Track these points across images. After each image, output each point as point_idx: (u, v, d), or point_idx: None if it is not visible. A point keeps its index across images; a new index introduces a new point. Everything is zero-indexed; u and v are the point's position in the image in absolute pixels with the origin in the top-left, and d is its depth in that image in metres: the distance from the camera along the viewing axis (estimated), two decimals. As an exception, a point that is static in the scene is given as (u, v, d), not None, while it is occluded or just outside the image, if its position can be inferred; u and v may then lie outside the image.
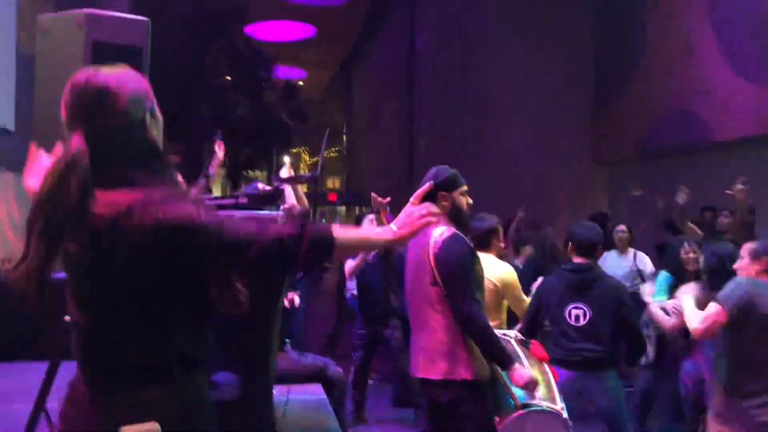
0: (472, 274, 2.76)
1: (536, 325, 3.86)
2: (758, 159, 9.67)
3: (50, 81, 2.35)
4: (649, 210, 10.44)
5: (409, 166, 15.40)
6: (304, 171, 33.79)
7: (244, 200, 2.59)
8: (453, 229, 2.78)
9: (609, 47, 13.50)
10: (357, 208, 22.92)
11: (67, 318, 1.62)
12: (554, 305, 3.83)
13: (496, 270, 3.81)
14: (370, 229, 1.85)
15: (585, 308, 3.72)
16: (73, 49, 2.30)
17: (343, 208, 24.54)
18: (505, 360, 2.72)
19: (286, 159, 4.09)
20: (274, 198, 2.65)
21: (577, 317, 3.74)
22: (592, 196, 13.93)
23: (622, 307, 3.71)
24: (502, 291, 3.81)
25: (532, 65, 13.86)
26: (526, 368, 2.82)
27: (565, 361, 3.66)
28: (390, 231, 1.70)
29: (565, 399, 3.23)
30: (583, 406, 4.23)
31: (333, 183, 34.88)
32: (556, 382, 3.10)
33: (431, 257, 2.73)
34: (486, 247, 3.84)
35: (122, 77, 1.61)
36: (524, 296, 3.97)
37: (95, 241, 1.46)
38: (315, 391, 3.70)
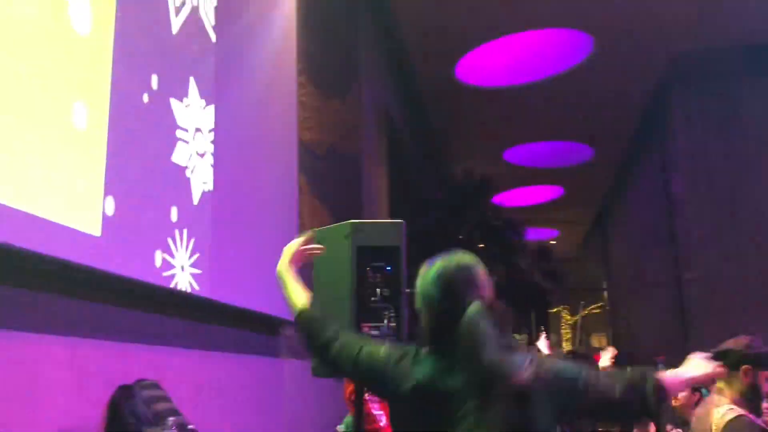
0: None
1: None
2: None
3: (324, 280, 2.66)
4: None
5: (681, 320, 14.11)
6: (565, 330, 32.71)
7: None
8: (741, 411, 2.46)
9: None
10: (627, 368, 21.29)
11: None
12: None
13: None
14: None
15: None
16: (341, 253, 2.60)
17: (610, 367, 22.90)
18: None
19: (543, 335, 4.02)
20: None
21: None
22: None
23: None
24: None
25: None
26: None
27: None
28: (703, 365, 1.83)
29: None
30: None
31: (599, 341, 33.09)
32: None
33: (714, 438, 2.42)
34: None
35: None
36: None
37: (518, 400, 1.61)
38: None
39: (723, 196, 13.60)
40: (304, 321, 1.96)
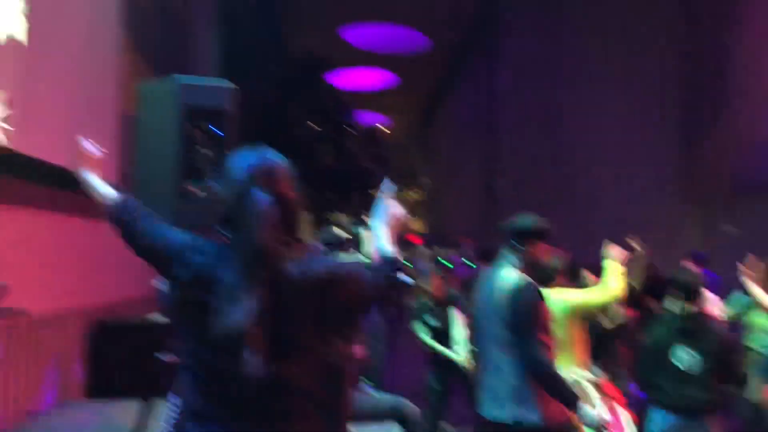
0: (539, 320, 2.81)
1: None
2: None
3: (148, 138, 2.61)
4: (747, 249, 9.99)
5: (491, 207, 15.38)
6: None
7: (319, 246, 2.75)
8: (526, 277, 2.85)
9: (696, 84, 13.17)
10: (438, 249, 22.99)
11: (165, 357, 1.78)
12: (662, 348, 3.79)
13: (565, 297, 3.86)
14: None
15: (692, 353, 3.67)
16: (167, 112, 2.54)
17: (426, 250, 24.62)
18: (572, 402, 2.75)
19: (342, 218, 4.21)
20: (346, 244, 2.79)
21: (687, 362, 3.66)
22: (683, 235, 13.45)
23: (729, 353, 3.65)
24: (578, 310, 3.82)
25: (617, 104, 13.68)
26: (594, 408, 2.81)
27: (671, 406, 3.61)
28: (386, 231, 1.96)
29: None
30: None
31: (415, 225, 35.16)
32: (634, 422, 3.08)
33: (503, 301, 2.80)
34: (551, 284, 3.90)
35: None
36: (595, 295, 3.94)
37: (281, 293, 1.62)
38: (391, 430, 3.77)
39: (540, 95, 14.66)
40: (116, 217, 1.89)
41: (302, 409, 1.69)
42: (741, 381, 3.79)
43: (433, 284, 5.50)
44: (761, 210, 11.53)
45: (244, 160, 1.73)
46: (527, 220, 3.02)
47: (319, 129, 15.79)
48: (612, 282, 3.88)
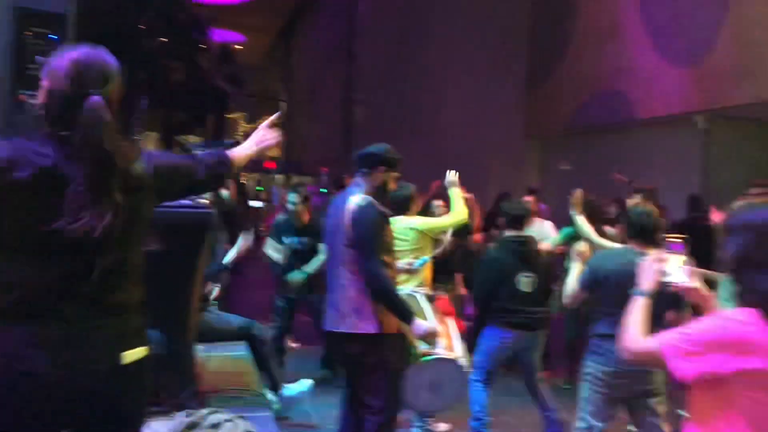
0: (380, 238, 2.98)
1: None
2: (679, 136, 10.22)
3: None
4: (577, 184, 10.90)
5: (346, 134, 15.50)
6: (240, 136, 33.44)
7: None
8: (370, 198, 2.99)
9: (543, 27, 13.84)
10: (294, 177, 22.93)
11: None
12: (505, 273, 4.12)
13: (415, 221, 4.17)
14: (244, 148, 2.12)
15: (532, 276, 4.05)
16: (-3, 14, 2.33)
17: (281, 176, 24.47)
18: (405, 315, 2.97)
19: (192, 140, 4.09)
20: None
21: (526, 284, 4.03)
22: (524, 169, 14.37)
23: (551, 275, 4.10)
24: (425, 233, 4.13)
25: (469, 41, 14.11)
26: (426, 321, 3.07)
27: (514, 323, 4.00)
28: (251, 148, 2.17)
29: (504, 353, 4.04)
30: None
31: (272, 150, 34.64)
32: (462, 335, 3.40)
33: (347, 221, 2.94)
34: (406, 212, 4.17)
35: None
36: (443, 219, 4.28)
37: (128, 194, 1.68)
38: (239, 349, 3.86)
39: (398, 26, 14.76)
40: None
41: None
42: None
43: (298, 209, 5.52)
44: (592, 148, 12.56)
45: (73, 58, 1.68)
46: (377, 148, 3.15)
47: (169, 43, 14.93)
48: (456, 208, 4.20)
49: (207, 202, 2.74)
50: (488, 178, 14.33)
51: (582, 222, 4.60)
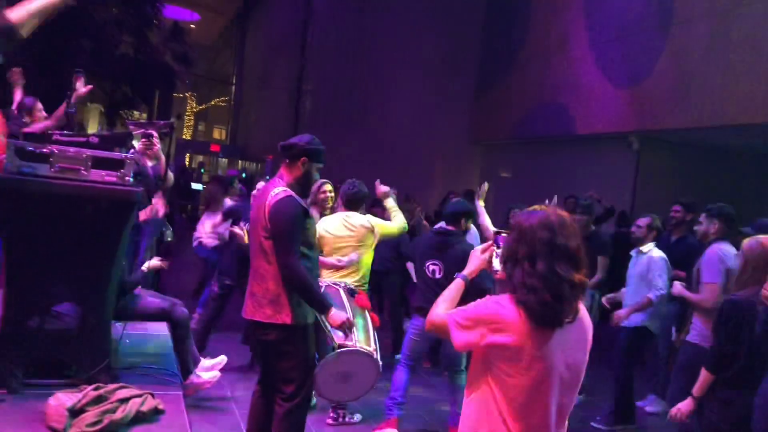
0: (299, 232, 3.00)
1: None
2: (613, 154, 10.60)
3: None
4: (516, 190, 11.20)
5: (294, 124, 15.45)
6: (189, 117, 32.86)
7: (95, 140, 2.70)
8: (290, 192, 3.02)
9: (495, 36, 14.12)
10: (239, 162, 22.68)
11: None
12: (419, 261, 4.37)
13: (369, 219, 4.32)
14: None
15: (440, 264, 4.18)
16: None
17: (225, 160, 24.16)
18: (322, 306, 3.05)
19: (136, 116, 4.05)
20: (124, 140, 2.77)
21: (433, 271, 4.17)
22: (466, 173, 14.63)
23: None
24: (377, 232, 4.28)
25: (422, 43, 14.26)
26: (342, 313, 3.14)
27: (424, 309, 4.12)
28: None
29: (419, 342, 4.24)
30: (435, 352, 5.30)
31: (219, 133, 34.10)
32: (376, 329, 3.50)
33: (266, 214, 2.97)
34: (358, 209, 4.39)
35: None
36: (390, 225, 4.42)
37: None
38: (157, 329, 3.86)
39: (353, 23, 14.79)
40: None
41: None
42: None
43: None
44: (533, 158, 12.87)
45: None
46: (300, 138, 3.16)
47: (120, 14, 14.56)
48: (398, 217, 4.35)
49: (133, 179, 2.74)
50: (433, 178, 14.54)
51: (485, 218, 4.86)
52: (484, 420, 1.84)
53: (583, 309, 1.84)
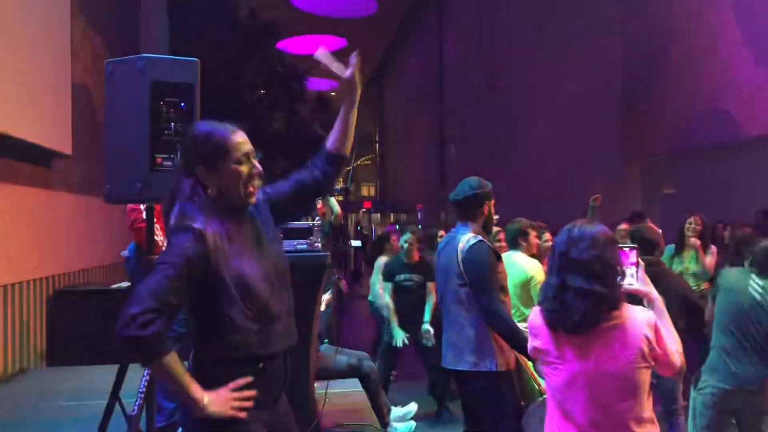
0: (495, 276, 3.03)
1: None
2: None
3: (118, 112, 2.72)
4: (682, 207, 10.55)
5: (440, 172, 15.68)
6: (338, 180, 34.35)
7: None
8: (479, 236, 3.08)
9: (637, 47, 13.58)
10: (391, 215, 23.27)
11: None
12: None
13: (525, 263, 4.21)
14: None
15: None
16: (135, 87, 2.65)
17: (377, 215, 24.89)
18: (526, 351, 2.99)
19: None
20: (307, 232, 2.97)
21: None
22: (625, 195, 14.01)
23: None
24: (531, 280, 4.20)
25: (560, 68, 14.04)
26: None
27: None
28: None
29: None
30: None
31: (368, 190, 35.29)
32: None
33: (460, 261, 3.03)
34: (516, 247, 4.30)
35: None
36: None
37: None
38: (352, 385, 4.01)
39: (485, 63, 14.90)
40: None
41: None
42: None
43: (410, 248, 5.66)
44: (693, 172, 12.11)
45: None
46: (467, 190, 3.21)
47: (269, 95, 15.71)
48: None
49: (321, 245, 2.94)
50: (587, 206, 14.06)
51: None
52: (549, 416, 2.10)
53: (631, 318, 1.93)
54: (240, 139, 1.96)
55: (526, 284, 4.20)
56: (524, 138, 14.21)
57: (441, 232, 6.25)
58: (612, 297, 1.91)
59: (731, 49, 10.46)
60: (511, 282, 3.64)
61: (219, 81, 12.74)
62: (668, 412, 3.94)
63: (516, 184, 13.81)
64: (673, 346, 1.95)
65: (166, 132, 2.61)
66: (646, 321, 1.93)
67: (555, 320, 1.95)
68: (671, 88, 12.24)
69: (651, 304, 2.08)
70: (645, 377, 1.93)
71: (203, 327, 1.79)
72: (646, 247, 4.03)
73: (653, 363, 1.93)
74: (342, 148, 2.23)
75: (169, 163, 2.58)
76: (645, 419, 1.95)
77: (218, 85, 12.56)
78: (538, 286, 4.15)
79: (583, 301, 1.89)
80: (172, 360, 1.65)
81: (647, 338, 1.91)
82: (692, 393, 3.51)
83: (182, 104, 2.65)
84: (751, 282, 3.33)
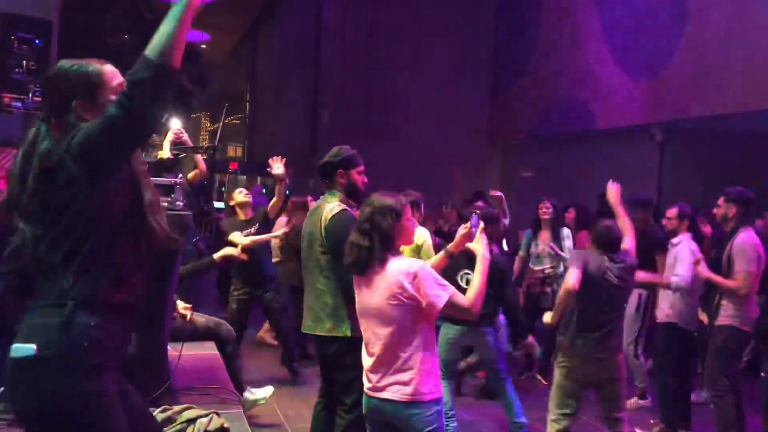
0: None
1: None
2: (633, 147, 10.56)
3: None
4: (538, 190, 11.19)
5: (312, 138, 15.55)
6: (204, 137, 33.10)
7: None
8: (343, 205, 3.09)
9: (508, 36, 14.12)
10: (258, 178, 22.83)
11: None
12: (449, 271, 4.31)
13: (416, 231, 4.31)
14: None
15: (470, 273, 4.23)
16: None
17: (243, 177, 24.34)
18: None
19: (174, 125, 4.05)
20: (173, 166, 2.83)
21: (467, 281, 4.20)
22: (486, 175, 14.62)
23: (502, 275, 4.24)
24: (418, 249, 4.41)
25: (435, 47, 14.30)
26: None
27: (455, 319, 4.15)
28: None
29: (453, 350, 4.32)
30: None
31: (235, 151, 34.25)
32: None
33: (322, 229, 3.03)
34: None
35: None
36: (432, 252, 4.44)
37: None
38: (208, 348, 3.93)
39: (364, 30, 14.87)
40: None
41: None
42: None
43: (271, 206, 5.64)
44: (549, 157, 12.85)
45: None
46: (330, 156, 3.22)
47: (134, 40, 14.76)
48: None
49: (182, 203, 2.80)
50: (452, 181, 14.55)
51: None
52: None
53: (392, 265, 2.51)
54: (113, 69, 1.81)
55: (417, 250, 4.44)
56: (397, 112, 14.38)
57: (309, 198, 6.29)
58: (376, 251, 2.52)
59: (592, 45, 11.14)
60: (407, 249, 3.79)
61: (81, 21, 11.79)
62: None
63: (387, 159, 13.99)
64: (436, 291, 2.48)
65: (17, 69, 2.38)
66: (404, 270, 2.48)
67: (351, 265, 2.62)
68: (536, 77, 12.86)
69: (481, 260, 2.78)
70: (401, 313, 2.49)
71: None
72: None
73: (407, 302, 2.45)
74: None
75: (19, 104, 2.36)
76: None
77: (80, 26, 11.63)
78: (431, 251, 4.35)
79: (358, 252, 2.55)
80: None
81: (400, 283, 2.45)
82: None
83: (37, 41, 2.42)
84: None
